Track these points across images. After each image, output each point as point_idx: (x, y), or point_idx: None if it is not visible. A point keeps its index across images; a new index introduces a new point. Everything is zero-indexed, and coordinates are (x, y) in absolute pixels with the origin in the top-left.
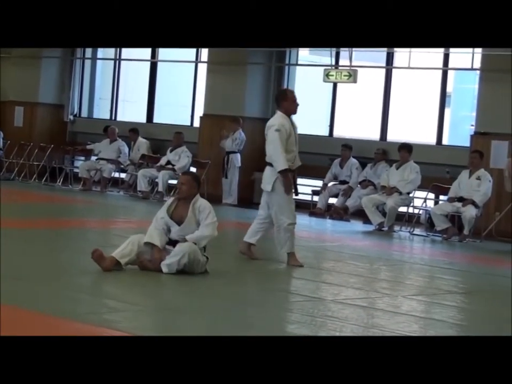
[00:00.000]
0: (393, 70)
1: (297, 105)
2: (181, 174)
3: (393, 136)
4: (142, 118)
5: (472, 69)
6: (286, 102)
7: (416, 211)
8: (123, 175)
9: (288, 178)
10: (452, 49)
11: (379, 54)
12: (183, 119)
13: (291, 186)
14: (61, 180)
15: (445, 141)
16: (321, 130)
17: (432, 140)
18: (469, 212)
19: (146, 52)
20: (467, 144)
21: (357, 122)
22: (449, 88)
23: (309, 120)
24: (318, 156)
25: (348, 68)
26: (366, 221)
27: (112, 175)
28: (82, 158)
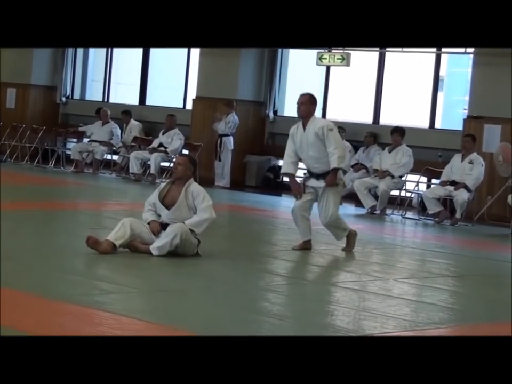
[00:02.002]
0: (387, 53)
1: (298, 107)
2: (178, 155)
3: (386, 119)
4: (135, 100)
5: (465, 52)
6: None
7: (408, 194)
8: (115, 157)
9: (292, 182)
10: None
11: None
12: (175, 101)
13: (296, 190)
14: (53, 161)
15: (437, 125)
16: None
17: (425, 124)
18: (461, 196)
19: None
20: (460, 128)
21: (350, 106)
22: (442, 72)
23: None
24: None
25: (341, 51)
26: (358, 204)
27: (104, 157)
28: (75, 140)
